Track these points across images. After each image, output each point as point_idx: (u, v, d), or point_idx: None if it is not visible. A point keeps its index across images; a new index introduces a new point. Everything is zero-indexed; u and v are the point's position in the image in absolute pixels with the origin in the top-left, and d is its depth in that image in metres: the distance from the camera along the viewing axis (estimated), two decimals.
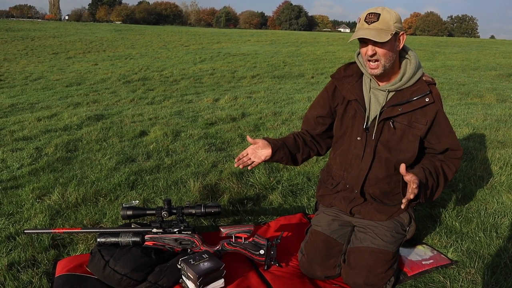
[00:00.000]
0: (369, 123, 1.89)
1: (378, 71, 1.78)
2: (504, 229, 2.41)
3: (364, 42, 1.76)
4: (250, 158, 1.97)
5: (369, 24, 1.71)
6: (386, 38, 1.68)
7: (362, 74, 1.93)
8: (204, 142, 4.07)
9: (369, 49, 1.74)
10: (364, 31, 1.71)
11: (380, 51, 1.73)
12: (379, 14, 1.70)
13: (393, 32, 1.69)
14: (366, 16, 1.72)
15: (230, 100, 6.85)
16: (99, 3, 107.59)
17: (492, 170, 3.28)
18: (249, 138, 1.93)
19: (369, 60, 1.77)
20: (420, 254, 2.15)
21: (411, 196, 1.65)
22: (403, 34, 1.76)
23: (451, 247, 2.20)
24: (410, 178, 1.68)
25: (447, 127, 1.89)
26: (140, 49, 19.18)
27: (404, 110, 1.82)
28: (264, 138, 1.98)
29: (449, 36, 79.79)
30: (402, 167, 1.68)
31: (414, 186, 1.65)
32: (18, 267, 1.98)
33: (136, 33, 31.45)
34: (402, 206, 1.65)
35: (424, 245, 2.25)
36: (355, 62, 1.95)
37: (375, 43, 1.71)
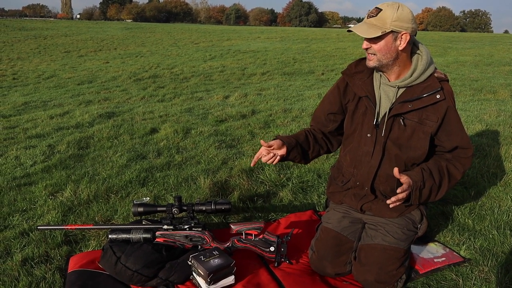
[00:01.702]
0: (379, 120, 1.88)
1: (372, 64, 1.81)
2: None
3: None
4: (269, 153, 1.90)
5: (367, 18, 1.75)
6: (373, 34, 1.69)
7: (373, 70, 1.91)
8: (214, 139, 4.07)
9: (364, 43, 1.79)
10: (358, 25, 1.76)
11: (374, 46, 1.76)
12: (381, 10, 1.71)
13: (387, 30, 1.69)
14: (371, 10, 1.75)
15: (240, 97, 6.85)
16: (110, 1, 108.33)
17: (506, 167, 3.24)
18: (263, 142, 1.89)
19: (367, 52, 1.81)
20: (432, 252, 2.13)
21: (393, 199, 1.69)
22: (405, 33, 1.72)
23: (463, 245, 2.18)
24: (404, 181, 1.71)
25: (457, 124, 1.86)
26: (151, 47, 19.26)
27: (414, 107, 1.80)
28: (276, 137, 1.96)
29: (461, 31, 78.82)
30: (396, 171, 1.70)
31: (399, 191, 1.69)
32: (32, 263, 2.00)
33: (146, 31, 31.58)
34: (390, 206, 1.71)
35: (436, 243, 2.23)
36: (366, 58, 1.94)
37: (367, 38, 1.75)
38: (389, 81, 1.87)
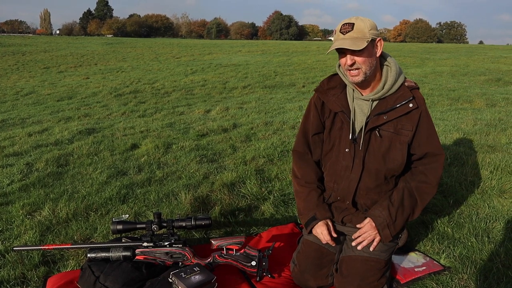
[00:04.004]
0: (356, 134, 1.90)
1: (359, 78, 1.78)
2: (496, 233, 2.42)
3: (342, 52, 1.77)
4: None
5: (344, 34, 1.73)
6: (362, 45, 1.69)
7: (346, 85, 1.93)
8: (196, 153, 4.06)
9: (348, 59, 1.76)
10: (340, 41, 1.73)
11: (359, 59, 1.75)
12: (353, 24, 1.72)
13: (369, 39, 1.71)
14: (341, 27, 1.74)
15: (221, 111, 6.86)
16: (90, 17, 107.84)
17: (483, 175, 3.30)
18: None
19: (349, 69, 1.79)
20: (413, 261, 2.15)
21: (359, 247, 1.87)
22: (380, 40, 1.77)
23: (443, 253, 2.21)
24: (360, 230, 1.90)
25: (428, 130, 1.87)
26: (132, 62, 19.20)
27: (389, 118, 1.82)
28: (318, 221, 1.95)
29: (438, 43, 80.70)
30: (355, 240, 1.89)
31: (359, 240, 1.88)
32: (8, 286, 1.95)
33: (127, 46, 31.50)
34: (359, 248, 1.87)
35: (417, 252, 2.25)
36: (337, 74, 1.95)
37: (353, 52, 1.73)
38: (362, 95, 1.89)
